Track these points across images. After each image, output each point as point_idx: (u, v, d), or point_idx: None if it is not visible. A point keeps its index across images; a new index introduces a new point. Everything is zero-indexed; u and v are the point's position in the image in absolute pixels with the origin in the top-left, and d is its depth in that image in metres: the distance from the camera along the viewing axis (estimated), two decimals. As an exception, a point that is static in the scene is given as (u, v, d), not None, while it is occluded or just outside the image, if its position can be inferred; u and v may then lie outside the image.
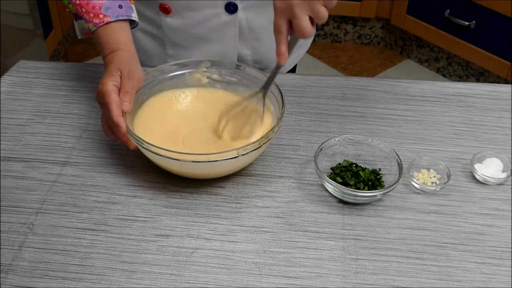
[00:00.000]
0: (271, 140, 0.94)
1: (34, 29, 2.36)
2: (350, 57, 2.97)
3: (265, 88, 0.96)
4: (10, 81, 1.16)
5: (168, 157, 0.88)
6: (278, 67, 0.93)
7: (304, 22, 0.86)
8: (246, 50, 1.20)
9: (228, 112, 0.97)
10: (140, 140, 0.89)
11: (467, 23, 2.55)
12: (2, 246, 0.84)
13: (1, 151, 1.00)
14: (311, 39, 1.34)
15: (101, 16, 0.98)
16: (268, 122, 0.98)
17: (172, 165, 0.91)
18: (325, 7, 0.86)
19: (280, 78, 1.15)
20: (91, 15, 0.98)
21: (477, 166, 0.96)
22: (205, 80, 1.06)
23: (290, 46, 0.90)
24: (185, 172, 0.93)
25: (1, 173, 0.96)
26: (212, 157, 0.88)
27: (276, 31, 0.89)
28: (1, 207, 0.90)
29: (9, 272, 0.81)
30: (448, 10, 2.59)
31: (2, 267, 0.81)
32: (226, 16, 1.12)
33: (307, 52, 1.36)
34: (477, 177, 0.96)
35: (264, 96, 0.96)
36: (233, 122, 0.97)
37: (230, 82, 1.05)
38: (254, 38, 1.18)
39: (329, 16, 0.88)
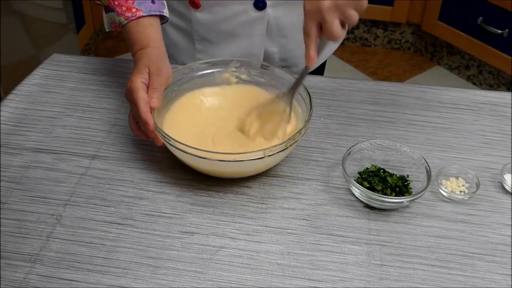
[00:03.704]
0: (298, 142, 0.94)
1: (67, 23, 2.39)
2: (379, 62, 2.95)
3: (293, 89, 0.96)
4: (43, 74, 1.17)
5: (194, 155, 0.88)
6: (306, 69, 0.93)
7: (334, 26, 0.85)
8: (273, 47, 1.20)
9: (255, 110, 0.97)
10: (168, 137, 0.89)
11: (499, 31, 2.51)
12: (30, 236, 0.86)
13: (32, 143, 1.01)
14: (339, 41, 1.34)
15: (133, 10, 0.99)
16: (293, 124, 0.98)
17: (198, 163, 0.91)
18: (356, 10, 0.85)
19: (309, 81, 1.15)
20: (124, 8, 0.99)
21: (506, 176, 0.95)
22: (234, 80, 1.06)
23: (320, 48, 0.90)
24: (211, 170, 0.93)
25: (31, 164, 0.97)
26: (238, 157, 0.88)
27: (306, 34, 0.88)
28: (31, 198, 0.91)
29: (36, 262, 0.82)
30: (481, 18, 2.56)
31: (29, 257, 0.83)
32: (254, 13, 1.12)
33: (336, 54, 1.36)
34: (507, 187, 0.95)
35: (291, 98, 0.96)
36: (259, 120, 0.97)
37: (259, 83, 1.05)
38: (281, 35, 1.18)
39: (359, 19, 0.87)
